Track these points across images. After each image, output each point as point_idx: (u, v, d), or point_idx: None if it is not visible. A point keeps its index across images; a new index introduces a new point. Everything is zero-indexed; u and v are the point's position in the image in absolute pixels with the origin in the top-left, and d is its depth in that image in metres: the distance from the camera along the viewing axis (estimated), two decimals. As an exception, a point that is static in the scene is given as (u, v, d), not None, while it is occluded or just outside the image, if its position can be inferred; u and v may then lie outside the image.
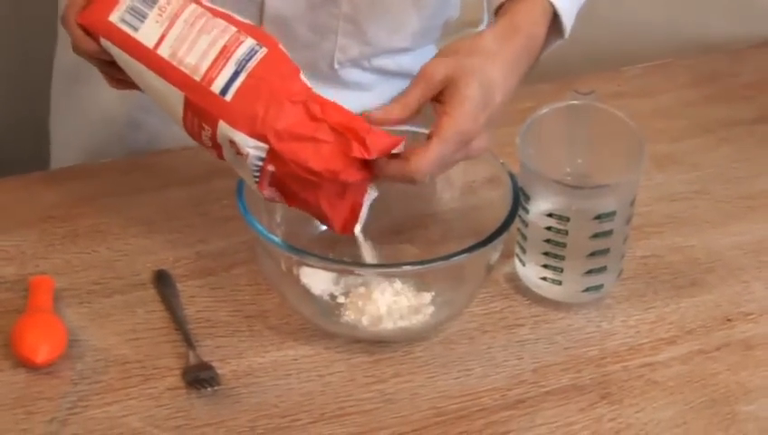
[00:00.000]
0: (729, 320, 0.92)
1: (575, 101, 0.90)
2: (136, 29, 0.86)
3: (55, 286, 0.92)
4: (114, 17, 0.86)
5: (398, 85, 1.14)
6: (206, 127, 0.85)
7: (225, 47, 0.84)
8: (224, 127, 0.83)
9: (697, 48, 1.34)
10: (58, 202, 1.01)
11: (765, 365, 0.89)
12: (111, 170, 1.06)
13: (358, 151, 0.81)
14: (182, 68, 0.84)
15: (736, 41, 1.33)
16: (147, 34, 0.85)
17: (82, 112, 1.13)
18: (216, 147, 0.86)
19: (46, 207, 1.01)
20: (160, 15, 0.85)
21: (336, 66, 1.08)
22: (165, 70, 0.85)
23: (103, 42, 0.87)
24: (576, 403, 0.85)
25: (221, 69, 0.84)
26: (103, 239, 0.98)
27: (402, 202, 0.94)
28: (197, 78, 0.84)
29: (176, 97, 0.85)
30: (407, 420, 0.83)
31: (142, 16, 0.86)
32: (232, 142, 0.83)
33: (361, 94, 1.10)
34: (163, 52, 0.85)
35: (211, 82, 0.84)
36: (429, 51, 1.16)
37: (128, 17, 0.86)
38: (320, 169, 0.82)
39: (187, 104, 0.85)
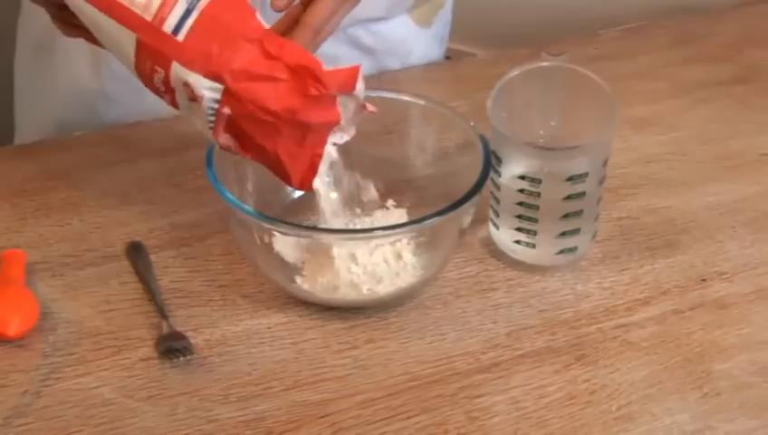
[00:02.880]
0: (704, 280, 0.92)
1: (546, 63, 0.89)
2: None
3: (28, 260, 0.92)
4: None
5: (373, 63, 1.14)
6: (159, 69, 0.83)
7: None
8: (177, 68, 0.81)
9: (676, 9, 1.33)
10: (30, 176, 1.01)
11: (739, 324, 0.89)
12: (83, 143, 1.06)
13: (314, 88, 0.80)
14: (133, 8, 0.82)
15: (715, 1, 1.33)
16: None
17: (51, 84, 1.12)
18: (169, 91, 0.84)
19: (18, 181, 1.01)
20: None
21: None
22: (115, 10, 0.82)
23: None
24: (551, 365, 0.85)
25: (172, 7, 0.82)
26: (76, 212, 0.98)
27: (375, 169, 0.94)
28: (149, 18, 0.82)
29: (127, 39, 0.83)
30: (380, 385, 0.84)
31: None
32: (186, 85, 0.81)
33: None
34: None
35: (163, 21, 0.82)
36: (402, 21, 1.16)
37: None
38: (277, 109, 0.81)
39: (140, 46, 0.83)
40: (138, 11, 0.82)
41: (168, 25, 0.81)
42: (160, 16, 0.82)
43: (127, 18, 0.82)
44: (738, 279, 0.93)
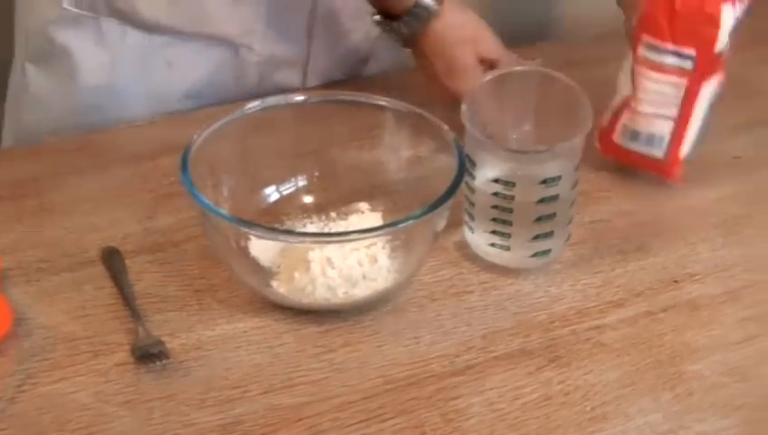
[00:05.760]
0: (676, 281, 0.93)
1: (520, 68, 0.91)
2: None
3: (2, 265, 0.91)
4: None
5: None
6: None
7: None
8: None
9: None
10: (2, 181, 1.01)
11: (710, 325, 0.90)
12: (55, 150, 1.06)
13: None
14: None
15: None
16: None
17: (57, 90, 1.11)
18: None
19: (-9, 187, 1.00)
20: None
21: None
22: None
23: None
24: (525, 367, 0.86)
25: None
26: (50, 218, 0.97)
27: (350, 174, 0.94)
28: None
29: None
30: (356, 388, 0.84)
31: None
32: None
33: None
34: None
35: None
36: None
37: None
38: None
39: None
40: None
41: None
42: None
43: None
44: (710, 280, 0.94)
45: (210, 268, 0.92)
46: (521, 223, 0.91)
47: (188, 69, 1.10)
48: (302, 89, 1.14)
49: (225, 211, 0.88)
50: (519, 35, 1.25)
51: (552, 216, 0.91)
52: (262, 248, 0.90)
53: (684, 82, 0.97)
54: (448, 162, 0.90)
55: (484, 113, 0.92)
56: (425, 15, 1.01)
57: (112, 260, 0.93)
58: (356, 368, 0.85)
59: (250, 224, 0.87)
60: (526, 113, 0.93)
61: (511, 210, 0.91)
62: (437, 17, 1.01)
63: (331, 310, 0.89)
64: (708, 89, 0.99)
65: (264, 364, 0.85)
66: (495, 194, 0.90)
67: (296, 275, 0.89)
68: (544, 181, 0.89)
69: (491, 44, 1.03)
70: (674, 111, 0.99)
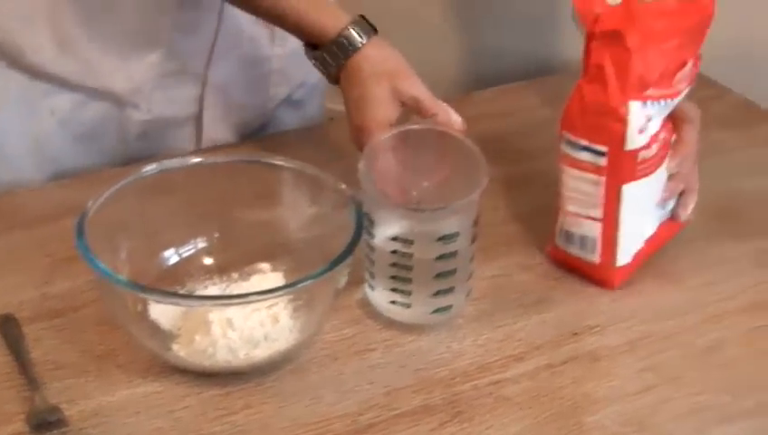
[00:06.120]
0: (575, 334, 0.94)
1: (416, 126, 0.91)
2: None
3: None
4: None
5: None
6: None
7: None
8: None
9: (546, 70, 1.38)
10: None
11: (609, 375, 0.90)
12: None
13: None
14: None
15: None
16: None
17: None
18: None
19: None
20: None
21: None
22: None
23: None
24: (427, 424, 0.85)
25: None
26: (-55, 285, 0.95)
27: (251, 234, 0.94)
28: None
29: None
30: (258, 451, 0.83)
31: None
32: None
33: None
34: None
35: None
36: None
37: None
38: None
39: None
40: None
41: None
42: None
43: None
44: (609, 331, 0.94)
45: (109, 333, 0.91)
46: (420, 280, 0.91)
47: (71, 120, 1.09)
48: (197, 150, 1.14)
49: (122, 277, 0.87)
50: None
51: (451, 272, 0.91)
52: (162, 312, 0.89)
53: (602, 180, 0.94)
54: (348, 220, 0.90)
55: (383, 171, 0.92)
56: (348, 47, 0.98)
57: (8, 327, 0.91)
58: (258, 430, 0.84)
59: (148, 289, 0.86)
60: (424, 170, 0.93)
61: (410, 268, 0.91)
62: (361, 50, 0.98)
63: (232, 372, 0.88)
64: (635, 191, 0.94)
65: (166, 429, 0.84)
66: (394, 252, 0.90)
67: (197, 337, 0.88)
68: (442, 238, 0.90)
69: (411, 81, 0.98)
70: (598, 212, 0.95)
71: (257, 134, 1.18)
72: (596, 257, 0.97)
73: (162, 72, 1.10)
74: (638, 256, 0.98)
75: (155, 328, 0.89)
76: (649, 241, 0.99)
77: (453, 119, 0.97)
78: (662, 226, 1.01)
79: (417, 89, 0.98)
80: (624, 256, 0.97)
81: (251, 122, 1.18)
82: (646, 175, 0.95)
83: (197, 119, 1.14)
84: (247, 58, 1.14)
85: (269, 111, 1.18)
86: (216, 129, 1.15)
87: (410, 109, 0.98)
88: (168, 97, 1.11)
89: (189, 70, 1.11)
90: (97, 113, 1.10)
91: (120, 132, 1.12)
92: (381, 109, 0.96)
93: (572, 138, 0.94)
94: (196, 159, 0.95)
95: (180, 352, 0.88)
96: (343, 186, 0.92)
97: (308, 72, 1.06)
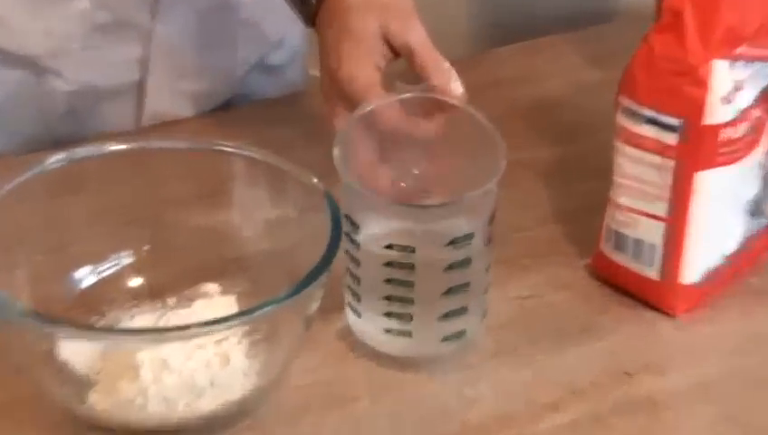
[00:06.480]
0: (629, 374, 0.81)
1: (404, 95, 0.79)
2: None
3: None
4: None
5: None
6: None
7: None
8: None
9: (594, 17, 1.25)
10: None
11: (675, 430, 0.78)
12: None
13: None
14: None
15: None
16: None
17: None
18: None
19: None
20: None
21: None
22: None
23: None
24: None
25: None
26: None
27: (193, 245, 0.82)
28: None
29: None
30: None
31: None
32: None
33: None
34: None
35: None
36: None
37: None
38: None
39: None
40: None
41: None
42: None
43: None
44: (672, 371, 0.82)
45: (9, 379, 0.77)
46: (425, 299, 0.78)
47: None
48: (133, 131, 1.03)
49: (21, 304, 0.73)
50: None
51: (464, 286, 0.79)
52: (74, 351, 0.77)
53: (670, 164, 0.80)
54: (321, 225, 0.77)
55: (366, 156, 0.79)
56: None
57: None
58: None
59: (55, 321, 0.73)
60: (414, 154, 0.81)
61: (411, 284, 0.78)
62: None
63: (168, 430, 0.76)
64: (714, 181, 0.81)
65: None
66: (389, 264, 0.77)
67: (121, 384, 0.76)
68: (453, 242, 0.77)
69: (407, 23, 0.83)
70: (662, 208, 0.81)
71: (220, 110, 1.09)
72: (655, 271, 0.83)
73: (92, 25, 0.99)
74: (716, 275, 0.84)
75: (66, 373, 0.76)
76: (735, 258, 0.85)
77: (452, 85, 0.82)
78: (757, 239, 0.86)
79: (413, 34, 0.82)
80: (693, 271, 0.83)
81: (212, 94, 1.07)
82: (730, 162, 0.82)
83: (139, 87, 1.03)
84: (207, 6, 1.03)
85: (237, 79, 1.07)
86: (163, 101, 1.04)
87: (403, 58, 0.83)
88: (102, 59, 1.01)
89: (129, 21, 1.01)
90: (7, 84, 1.00)
91: (39, 109, 1.01)
92: (365, 49, 0.82)
93: (634, 106, 0.81)
94: (118, 147, 0.82)
95: (99, 404, 0.76)
96: (315, 179, 0.78)
97: (287, 28, 1.01)
